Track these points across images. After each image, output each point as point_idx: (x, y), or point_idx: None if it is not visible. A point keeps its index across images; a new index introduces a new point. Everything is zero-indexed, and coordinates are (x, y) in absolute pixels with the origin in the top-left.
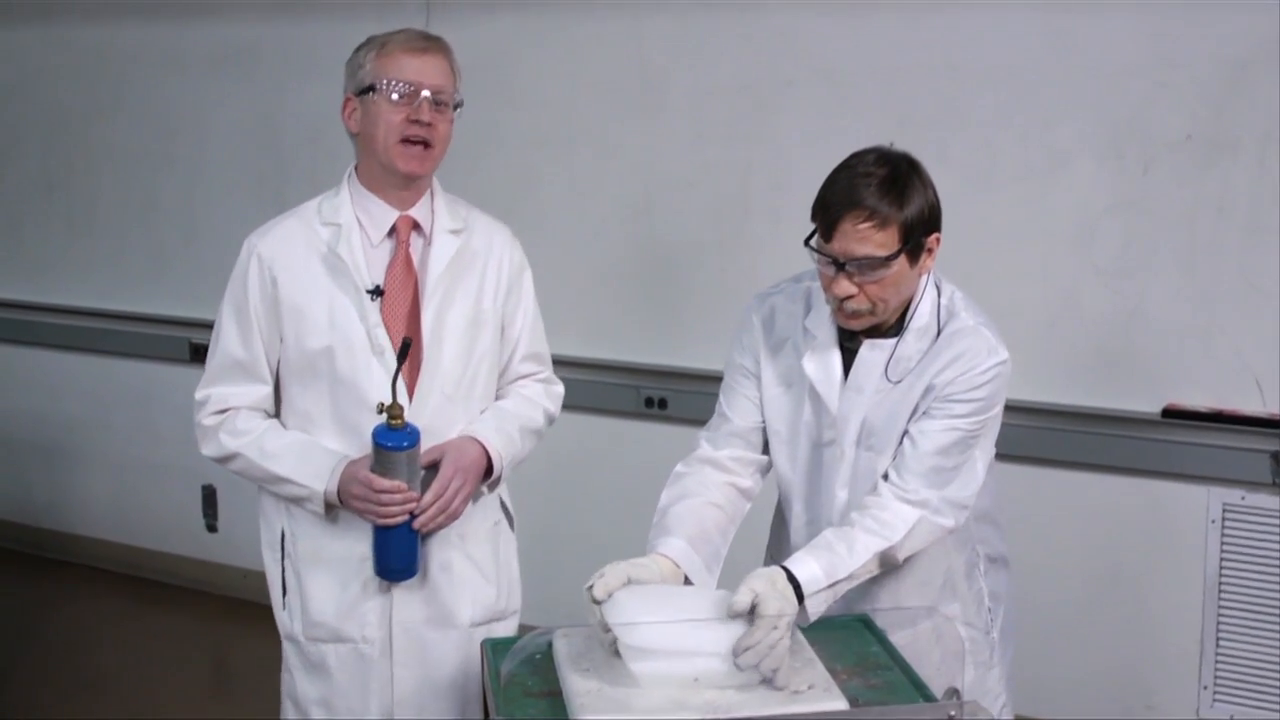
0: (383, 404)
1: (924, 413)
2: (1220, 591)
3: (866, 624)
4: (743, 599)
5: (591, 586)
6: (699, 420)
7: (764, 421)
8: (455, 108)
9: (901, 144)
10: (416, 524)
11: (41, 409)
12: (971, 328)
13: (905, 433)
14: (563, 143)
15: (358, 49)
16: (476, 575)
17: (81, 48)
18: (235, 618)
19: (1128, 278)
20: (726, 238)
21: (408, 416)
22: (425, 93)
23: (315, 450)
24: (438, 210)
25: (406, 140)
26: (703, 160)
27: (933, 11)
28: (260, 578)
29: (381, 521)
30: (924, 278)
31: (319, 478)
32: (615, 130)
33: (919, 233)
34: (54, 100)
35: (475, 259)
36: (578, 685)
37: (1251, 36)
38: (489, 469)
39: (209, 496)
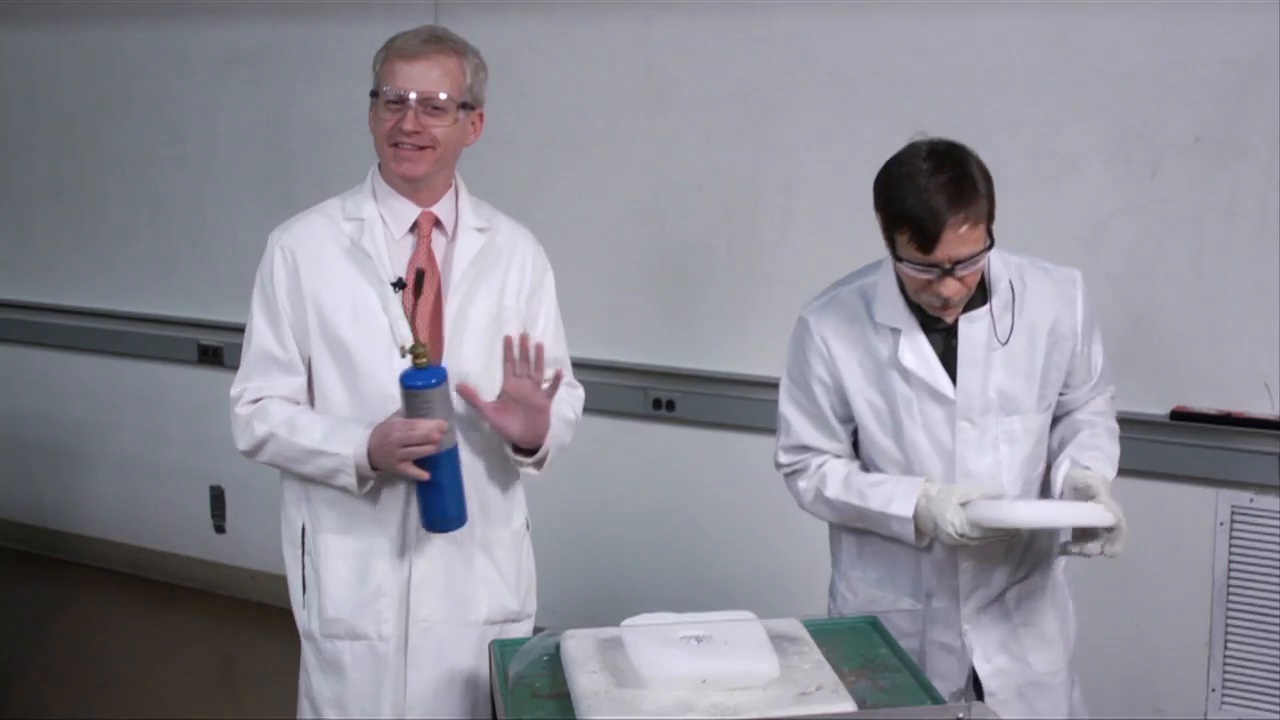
0: (404, 346)
1: (1074, 357)
2: (1228, 594)
3: (874, 626)
4: (1096, 488)
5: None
6: (707, 422)
7: (855, 435)
8: (462, 108)
9: None
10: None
11: (49, 410)
12: (1035, 266)
13: (1069, 385)
14: (571, 145)
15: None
16: (496, 576)
17: (90, 51)
18: (243, 619)
19: (1136, 280)
20: (735, 240)
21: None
22: (412, 99)
23: (346, 423)
24: (462, 208)
25: (393, 144)
26: (711, 163)
27: (941, 15)
28: (268, 579)
29: (432, 449)
30: None
31: (349, 444)
32: (624, 133)
33: (992, 207)
34: (63, 103)
35: (500, 256)
36: (585, 686)
37: (1259, 39)
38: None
39: (217, 498)
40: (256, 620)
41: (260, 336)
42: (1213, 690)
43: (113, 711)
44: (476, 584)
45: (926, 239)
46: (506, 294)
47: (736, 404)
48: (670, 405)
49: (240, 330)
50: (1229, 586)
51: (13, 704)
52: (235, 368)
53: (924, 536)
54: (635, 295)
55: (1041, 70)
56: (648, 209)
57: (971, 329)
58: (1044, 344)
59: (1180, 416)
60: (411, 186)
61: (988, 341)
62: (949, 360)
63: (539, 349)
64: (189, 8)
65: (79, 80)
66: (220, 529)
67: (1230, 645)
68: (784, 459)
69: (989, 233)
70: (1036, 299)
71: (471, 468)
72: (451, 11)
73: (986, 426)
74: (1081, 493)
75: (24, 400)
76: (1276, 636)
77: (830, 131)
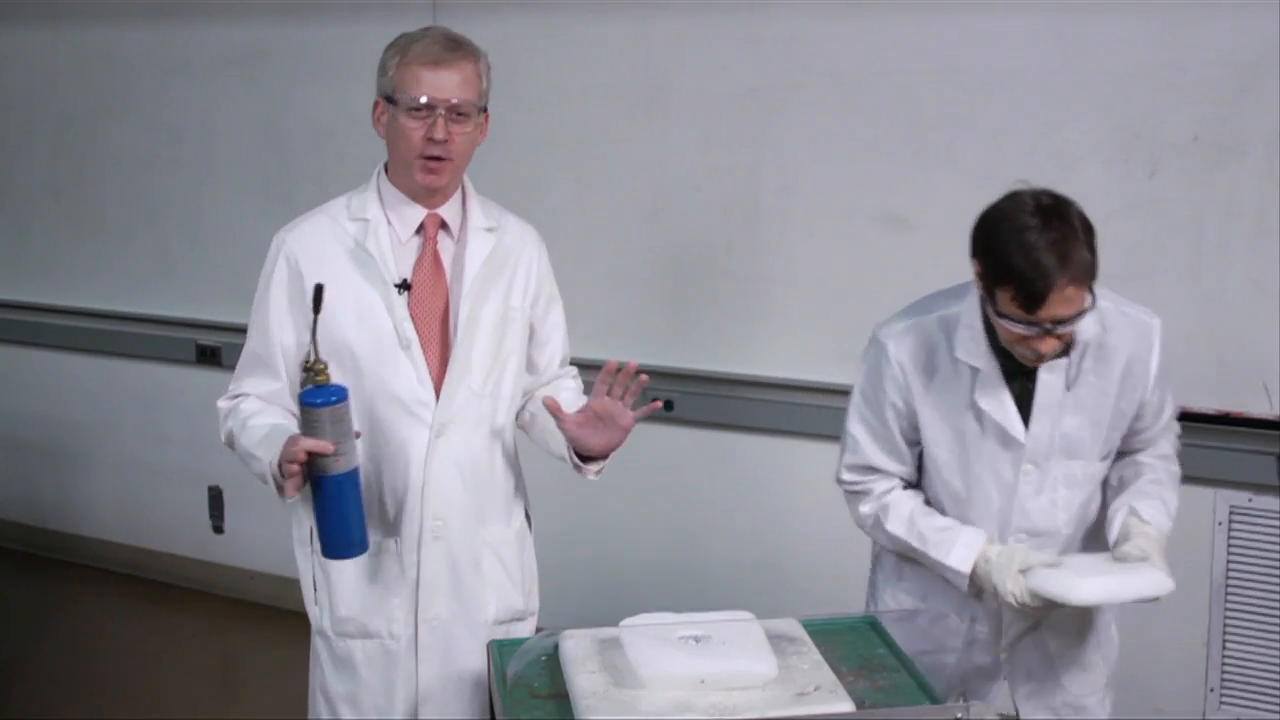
0: (305, 362)
1: (1142, 404)
2: (1227, 594)
3: (873, 626)
4: (1149, 551)
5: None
6: (706, 422)
7: (920, 456)
8: (481, 112)
9: (908, 147)
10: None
11: (48, 410)
12: (1117, 310)
13: (1135, 431)
14: (570, 146)
15: (388, 46)
16: (503, 575)
17: (88, 51)
18: (241, 619)
19: (1135, 280)
20: (734, 240)
21: (435, 412)
22: (441, 109)
23: (282, 431)
24: (470, 209)
25: (424, 156)
26: (710, 163)
27: (940, 15)
28: (266, 579)
29: (296, 467)
30: None
31: (270, 451)
32: (622, 133)
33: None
34: (61, 103)
35: (508, 256)
36: (584, 686)
37: (1258, 39)
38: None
39: (215, 498)
40: (255, 620)
41: (251, 338)
42: (1211, 690)
43: (111, 711)
44: (484, 584)
45: (1032, 300)
46: (513, 294)
47: (736, 404)
48: (669, 405)
49: (237, 330)
50: (1228, 586)
51: (12, 704)
52: (233, 368)
53: (976, 587)
54: (634, 295)
55: (1041, 70)
56: (647, 209)
57: (1050, 378)
58: (1114, 391)
59: (1179, 416)
60: (428, 193)
61: (1062, 389)
62: (1023, 402)
63: (643, 379)
64: (188, 8)
65: (79, 80)
66: (218, 529)
67: (1229, 645)
68: (848, 477)
69: (1091, 290)
70: (1115, 346)
71: (474, 468)
72: (450, 11)
73: (1049, 469)
74: (1136, 557)
75: (23, 400)
76: (1275, 636)
77: (830, 131)
